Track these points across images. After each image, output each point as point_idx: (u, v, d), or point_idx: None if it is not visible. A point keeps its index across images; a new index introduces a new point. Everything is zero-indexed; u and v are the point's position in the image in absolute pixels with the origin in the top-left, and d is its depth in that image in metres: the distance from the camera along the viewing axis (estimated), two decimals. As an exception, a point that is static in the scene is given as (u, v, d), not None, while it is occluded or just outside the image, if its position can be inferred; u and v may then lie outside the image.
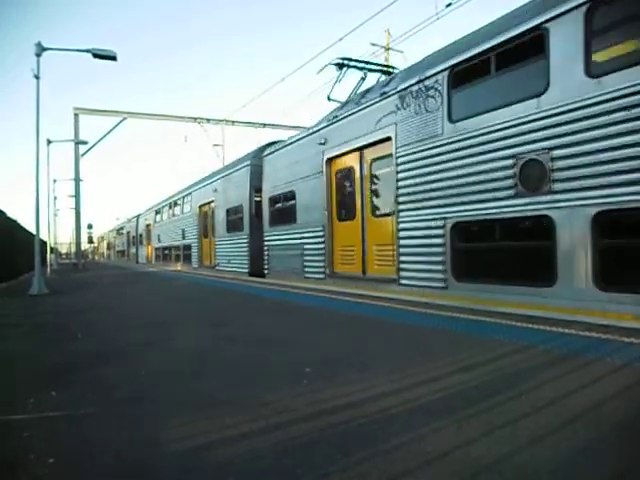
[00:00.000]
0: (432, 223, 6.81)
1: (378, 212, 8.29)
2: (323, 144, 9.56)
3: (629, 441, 2.07)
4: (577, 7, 4.94)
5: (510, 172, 5.68)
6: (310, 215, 10.10)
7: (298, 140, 10.79)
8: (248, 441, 2.13)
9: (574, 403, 2.43)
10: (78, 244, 24.34)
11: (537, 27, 5.37)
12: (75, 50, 11.43)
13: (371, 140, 8.16)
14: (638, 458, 1.94)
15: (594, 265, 4.78)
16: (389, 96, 7.69)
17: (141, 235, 31.42)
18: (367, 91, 9.01)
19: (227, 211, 14.94)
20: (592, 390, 2.61)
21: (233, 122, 24.48)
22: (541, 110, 5.32)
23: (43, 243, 21.90)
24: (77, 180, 21.74)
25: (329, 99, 10.21)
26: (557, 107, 5.17)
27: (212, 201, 16.37)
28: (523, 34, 5.54)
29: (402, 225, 7.40)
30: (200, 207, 17.86)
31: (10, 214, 15.26)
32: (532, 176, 5.44)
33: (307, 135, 10.32)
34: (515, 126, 5.62)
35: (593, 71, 4.87)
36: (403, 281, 7.43)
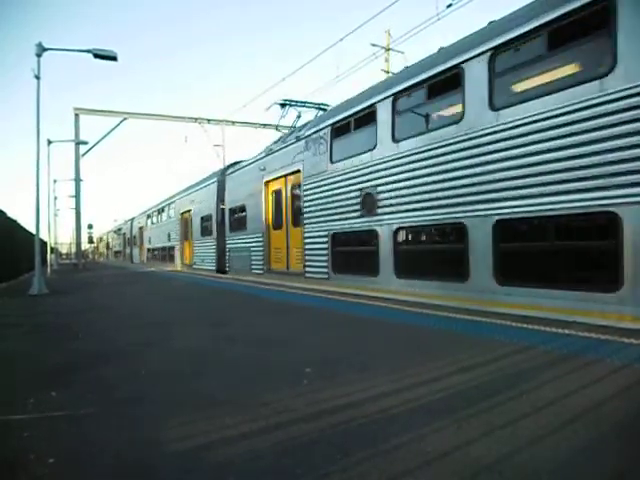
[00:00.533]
0: (322, 233, 9.62)
1: (295, 224, 10.87)
2: (263, 170, 12.23)
3: (629, 441, 2.07)
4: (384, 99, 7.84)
5: (358, 200, 8.46)
6: (255, 224, 12.79)
7: (249, 165, 13.47)
8: (248, 441, 2.13)
9: (574, 403, 2.43)
10: (78, 244, 24.36)
11: (371, 105, 8.15)
12: (76, 50, 11.44)
13: (290, 170, 10.88)
14: (638, 458, 1.94)
15: (395, 262, 7.62)
16: (300, 140, 10.47)
17: (135, 237, 33.97)
18: (298, 128, 11.54)
19: (201, 218, 17.82)
20: (592, 390, 2.61)
21: (233, 122, 24.47)
22: (373, 160, 8.10)
23: (43, 243, 21.90)
24: (77, 180, 21.74)
25: (277, 129, 13.66)
26: (379, 159, 7.92)
27: (190, 210, 19.32)
28: (365, 108, 8.34)
29: (306, 234, 10.17)
30: (181, 214, 20.78)
31: (10, 214, 15.28)
32: (368, 203, 8.22)
33: (254, 161, 13.01)
34: (361, 169, 8.38)
35: (397, 137, 7.59)
36: (306, 274, 10.20)
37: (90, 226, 47.56)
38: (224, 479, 1.80)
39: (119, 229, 45.63)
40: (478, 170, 6.04)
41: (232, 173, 14.88)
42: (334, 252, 9.28)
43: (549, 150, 5.17)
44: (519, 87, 5.77)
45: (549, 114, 5.15)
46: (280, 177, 11.42)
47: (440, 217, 6.69)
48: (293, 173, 10.81)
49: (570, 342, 3.71)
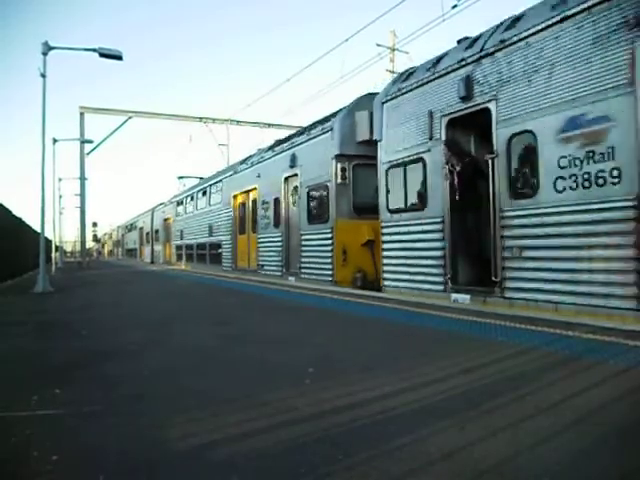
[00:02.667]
0: (175, 245, 22.72)
1: (172, 240, 23.44)
2: (163, 213, 25.72)
3: (631, 444, 2.05)
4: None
5: (180, 233, 21.49)
6: (162, 239, 26.38)
7: (161, 208, 26.58)
8: (251, 440, 2.13)
9: (577, 405, 2.42)
10: (83, 243, 24.48)
11: (186, 196, 21.28)
12: (81, 49, 11.47)
13: (171, 216, 23.52)
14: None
15: (187, 256, 21.35)
16: (171, 203, 23.89)
17: (119, 240, 52.76)
18: (173, 197, 24.06)
19: (147, 233, 31.32)
20: (595, 393, 2.60)
21: (238, 122, 24.55)
22: (184, 217, 21.27)
23: (48, 241, 21.98)
24: (82, 179, 21.85)
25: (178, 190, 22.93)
26: (184, 217, 21.35)
27: (142, 226, 33.68)
28: (185, 198, 21.27)
29: (173, 245, 23.17)
30: (140, 228, 35.07)
31: (16, 212, 15.35)
32: (182, 234, 21.22)
33: (161, 208, 26.53)
34: (183, 220, 21.25)
35: (179, 214, 22.65)
36: (171, 262, 23.79)
37: (95, 224, 47.84)
38: (227, 478, 1.81)
39: (111, 234, 66.07)
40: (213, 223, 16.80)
41: (157, 210, 28.02)
42: (177, 253, 21.99)
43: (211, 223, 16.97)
44: (209, 200, 17.52)
45: (210, 212, 17.24)
46: (168, 218, 24.48)
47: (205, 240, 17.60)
48: (169, 218, 24.19)
49: (573, 344, 3.69)
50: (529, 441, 2.02)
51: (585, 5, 4.85)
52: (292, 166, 10.53)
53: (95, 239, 55.70)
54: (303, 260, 10.10)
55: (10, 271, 13.89)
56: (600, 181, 4.69)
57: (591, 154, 4.77)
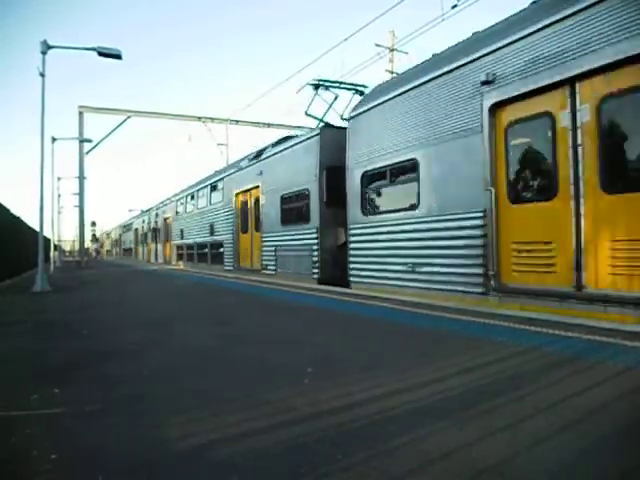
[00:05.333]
0: (124, 248, 46.99)
1: (122, 245, 48.83)
2: (120, 229, 50.53)
3: (631, 444, 2.06)
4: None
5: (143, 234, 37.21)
6: (120, 244, 49.87)
7: (118, 227, 52.55)
8: (251, 440, 2.14)
9: (576, 405, 2.43)
10: (81, 242, 24.45)
11: (131, 224, 42.07)
12: (80, 48, 11.46)
13: (123, 231, 48.22)
14: (639, 461, 1.94)
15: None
16: (120, 227, 51.43)
17: (104, 242, 69.14)
18: (133, 218, 43.38)
19: (115, 240, 53.51)
20: (594, 393, 2.61)
21: (237, 121, 24.54)
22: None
23: (47, 240, 21.96)
24: (81, 178, 21.81)
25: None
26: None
27: (121, 234, 48.01)
28: (125, 226, 46.17)
29: (122, 248, 48.77)
30: (119, 234, 49.96)
31: (14, 211, 15.33)
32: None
33: (120, 226, 51.50)
34: (134, 229, 39.88)
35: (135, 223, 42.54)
36: (123, 256, 46.59)
37: (93, 223, 48.76)
38: (227, 478, 1.81)
39: (99, 238, 79.02)
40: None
41: (120, 228, 48.34)
42: (123, 253, 45.05)
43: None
44: (134, 226, 38.54)
45: (134, 232, 38.30)
46: (122, 233, 46.74)
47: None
48: (121, 233, 48.44)
49: (572, 344, 3.70)
50: (528, 441, 2.03)
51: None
52: (157, 217, 25.92)
53: (94, 239, 57.53)
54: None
55: (9, 270, 13.87)
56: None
57: None
